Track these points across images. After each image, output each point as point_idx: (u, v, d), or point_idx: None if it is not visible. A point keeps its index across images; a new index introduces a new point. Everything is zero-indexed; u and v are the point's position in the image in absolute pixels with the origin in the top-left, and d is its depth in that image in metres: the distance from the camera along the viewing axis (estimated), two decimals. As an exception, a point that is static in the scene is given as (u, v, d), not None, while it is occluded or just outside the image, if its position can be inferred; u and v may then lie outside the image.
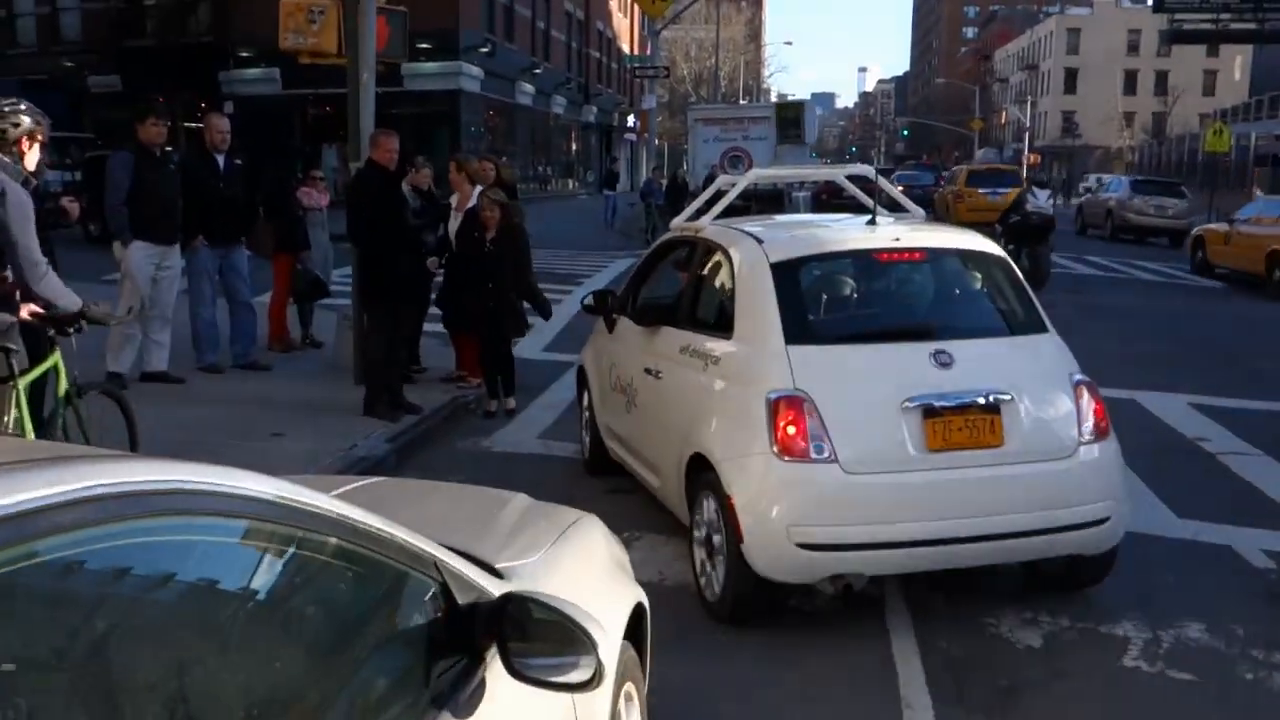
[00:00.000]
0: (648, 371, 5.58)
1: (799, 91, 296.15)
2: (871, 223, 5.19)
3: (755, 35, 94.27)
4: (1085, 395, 4.56)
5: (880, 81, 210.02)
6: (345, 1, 8.70)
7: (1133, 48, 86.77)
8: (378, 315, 7.66)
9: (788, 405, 4.30)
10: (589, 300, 6.63)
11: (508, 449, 7.60)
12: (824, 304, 5.13)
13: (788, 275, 4.76)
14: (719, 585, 4.59)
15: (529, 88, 38.79)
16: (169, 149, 8.54)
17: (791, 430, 4.27)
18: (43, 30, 38.27)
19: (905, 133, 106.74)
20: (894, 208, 6.13)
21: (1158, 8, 44.20)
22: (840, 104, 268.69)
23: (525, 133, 40.59)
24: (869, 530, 4.25)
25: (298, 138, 33.27)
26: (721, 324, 5.00)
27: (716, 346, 4.93)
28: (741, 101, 64.92)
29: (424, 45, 30.85)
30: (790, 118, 28.07)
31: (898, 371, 4.46)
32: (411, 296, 7.83)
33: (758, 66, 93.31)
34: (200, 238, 8.87)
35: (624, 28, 55.44)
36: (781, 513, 4.25)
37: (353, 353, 8.58)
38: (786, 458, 4.26)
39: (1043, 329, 4.88)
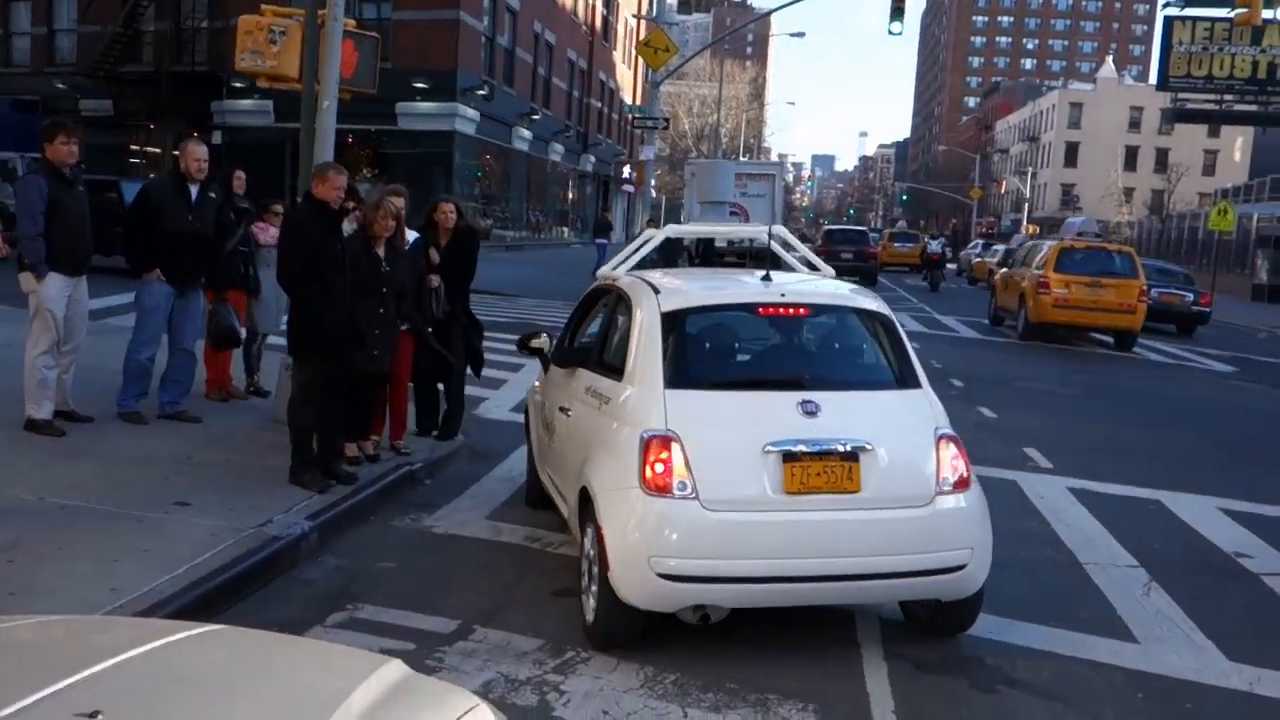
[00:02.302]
0: (562, 409, 5.91)
1: (799, 153, 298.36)
2: (766, 278, 5.47)
3: (758, 94, 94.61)
4: (947, 448, 4.82)
5: (881, 146, 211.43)
6: (309, 22, 7.90)
7: (1134, 124, 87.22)
8: (308, 371, 6.74)
9: (658, 444, 4.62)
10: (521, 341, 6.73)
11: (451, 529, 6.66)
12: (707, 352, 5.45)
13: (676, 324, 5.13)
14: (592, 611, 4.87)
15: (526, 133, 38.25)
16: (79, 168, 7.65)
17: (659, 468, 4.58)
18: (37, 51, 37.71)
19: (904, 197, 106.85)
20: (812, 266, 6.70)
21: (1161, 86, 44.23)
22: (840, 166, 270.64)
23: (521, 178, 39.99)
24: (726, 564, 4.53)
25: (289, 171, 32.58)
26: (618, 367, 5.26)
27: (610, 388, 5.24)
28: (742, 159, 64.68)
29: (420, 85, 30.40)
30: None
31: (765, 418, 4.75)
32: (348, 351, 6.88)
33: (759, 125, 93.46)
34: (157, 271, 8.00)
35: (627, 79, 55.19)
36: (643, 544, 4.54)
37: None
38: (652, 493, 4.57)
39: (915, 384, 5.14)
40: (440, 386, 8.47)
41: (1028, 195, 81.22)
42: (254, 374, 9.68)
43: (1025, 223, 77.23)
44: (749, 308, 5.45)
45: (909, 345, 5.33)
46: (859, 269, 34.73)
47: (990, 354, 18.02)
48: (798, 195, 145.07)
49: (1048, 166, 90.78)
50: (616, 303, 5.81)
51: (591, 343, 6.14)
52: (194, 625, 2.48)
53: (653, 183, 32.57)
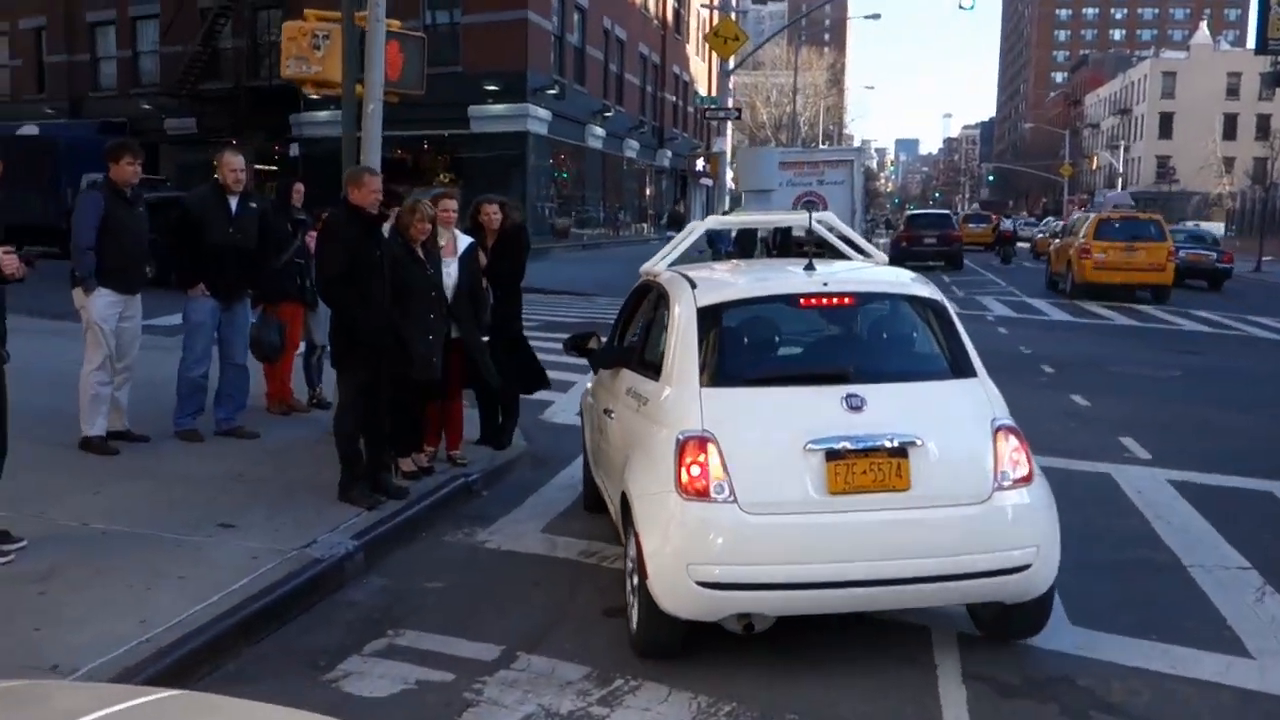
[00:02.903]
0: (607, 412, 5.74)
1: (880, 138, 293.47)
2: (810, 267, 5.18)
3: (837, 80, 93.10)
4: (1006, 441, 4.53)
5: (965, 127, 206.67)
6: (351, 29, 7.69)
7: (1232, 91, 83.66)
8: (351, 381, 6.52)
9: (694, 446, 4.42)
10: (570, 342, 6.46)
11: (505, 544, 6.37)
12: (745, 347, 5.19)
13: (713, 319, 4.90)
14: (635, 621, 4.68)
15: (600, 131, 38.02)
16: (140, 190, 7.58)
17: (695, 471, 4.38)
18: (123, 74, 38.76)
19: (991, 178, 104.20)
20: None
21: (1260, 50, 42.12)
22: (924, 149, 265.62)
23: (596, 176, 39.79)
24: (769, 570, 4.30)
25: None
26: (656, 366, 5.06)
27: (648, 388, 5.05)
28: (822, 146, 63.67)
29: (491, 87, 30.36)
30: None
31: (806, 414, 4.51)
32: (389, 359, 6.64)
33: (839, 112, 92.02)
34: (201, 286, 7.91)
35: (701, 72, 54.62)
36: (681, 551, 4.35)
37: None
38: (688, 497, 4.37)
39: (970, 374, 4.85)
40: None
41: (1120, 170, 78.43)
42: (315, 386, 9.55)
43: (1119, 198, 74.55)
44: (790, 299, 5.20)
45: (963, 332, 5.01)
46: (943, 253, 33.94)
47: (1082, 337, 17.18)
48: (881, 181, 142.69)
49: (1141, 139, 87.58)
50: (657, 300, 5.59)
51: (634, 342, 5.92)
52: (155, 691, 2.24)
53: (729, 174, 31.99)
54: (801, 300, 5.12)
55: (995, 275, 32.79)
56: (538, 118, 31.35)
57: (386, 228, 7.00)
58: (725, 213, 28.64)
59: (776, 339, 5.27)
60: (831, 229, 6.49)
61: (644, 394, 5.09)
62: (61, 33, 39.20)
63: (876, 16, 50.34)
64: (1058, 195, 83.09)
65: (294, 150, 32.36)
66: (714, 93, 38.74)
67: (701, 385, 4.67)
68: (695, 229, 6.42)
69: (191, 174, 33.03)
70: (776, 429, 4.50)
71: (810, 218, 6.01)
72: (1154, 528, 6.59)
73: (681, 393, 4.70)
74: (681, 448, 4.42)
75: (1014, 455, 4.50)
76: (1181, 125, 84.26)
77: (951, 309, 5.18)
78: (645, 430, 4.87)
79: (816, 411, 4.49)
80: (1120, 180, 76.93)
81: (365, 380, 6.51)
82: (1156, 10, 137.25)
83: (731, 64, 29.30)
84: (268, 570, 5.33)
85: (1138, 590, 5.56)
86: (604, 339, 6.55)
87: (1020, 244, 47.13)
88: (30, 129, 34.14)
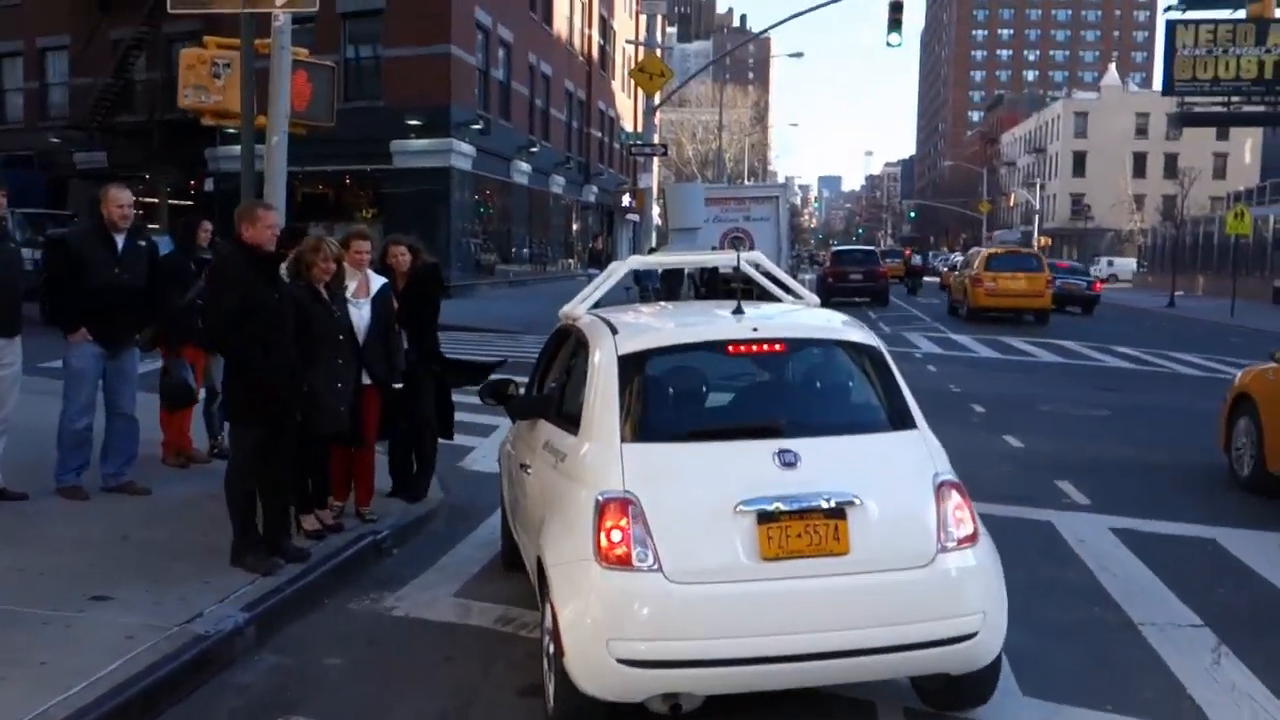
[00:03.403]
0: (524, 467, 5.37)
1: (804, 174, 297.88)
2: (738, 311, 4.85)
3: (761, 117, 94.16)
4: (949, 498, 4.22)
5: (886, 164, 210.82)
6: (250, 56, 7.20)
7: (1141, 131, 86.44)
8: (248, 438, 5.99)
9: (614, 508, 4.06)
10: (485, 391, 5.95)
11: (414, 611, 5.86)
12: (670, 399, 4.79)
13: (635, 368, 4.56)
14: (551, 700, 4.31)
15: (526, 166, 37.61)
16: (8, 225, 6.97)
17: (616, 535, 4.02)
18: (30, 106, 37.39)
19: (913, 215, 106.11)
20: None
21: (1167, 90, 43.37)
22: (847, 186, 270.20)
23: (523, 212, 39.33)
24: (696, 645, 3.93)
25: (287, 216, 32.08)
26: (575, 419, 4.65)
27: (566, 443, 4.67)
28: (747, 182, 64.11)
29: (414, 121, 29.80)
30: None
31: (735, 472, 4.18)
32: (292, 412, 6.13)
33: (764, 149, 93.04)
34: (84, 331, 7.29)
35: (627, 108, 54.65)
36: (601, 625, 3.97)
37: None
38: (608, 565, 4.00)
39: (909, 425, 4.55)
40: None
41: (1038, 207, 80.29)
42: (216, 435, 8.92)
43: (1036, 234, 76.28)
44: (718, 346, 4.79)
45: (901, 380, 4.72)
46: (869, 289, 34.13)
47: (1009, 374, 17.17)
48: (805, 217, 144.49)
49: (1056, 177, 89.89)
50: (575, 346, 5.21)
51: (552, 390, 5.52)
52: None
53: (655, 211, 31.79)
54: (730, 347, 4.75)
55: (916, 310, 33.58)
56: (461, 153, 30.87)
57: (284, 268, 6.51)
58: (650, 250, 28.44)
59: (704, 389, 4.90)
60: (759, 268, 6.14)
61: (561, 449, 4.71)
62: (-37, 65, 37.78)
63: (799, 55, 51.13)
64: (977, 231, 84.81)
65: (209, 185, 31.40)
66: (640, 129, 38.65)
67: (623, 441, 4.31)
68: (617, 269, 6.03)
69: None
70: (704, 489, 4.15)
71: (739, 256, 5.70)
72: (1100, 581, 6.32)
73: (601, 449, 4.33)
74: (601, 510, 4.06)
75: (957, 513, 4.20)
76: (1094, 163, 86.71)
77: (888, 355, 4.87)
78: (562, 489, 4.49)
79: (747, 469, 4.17)
80: (1037, 216, 78.71)
81: (263, 435, 5.98)
82: (1067, 52, 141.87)
83: (657, 100, 29.19)
84: (143, 651, 4.76)
85: (1090, 654, 5.24)
86: (523, 386, 6.13)
87: (933, 277, 52.44)
88: (-74, 162, 32.74)
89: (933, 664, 4.17)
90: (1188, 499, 8.55)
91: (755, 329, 4.71)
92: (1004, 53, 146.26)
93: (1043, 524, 7.61)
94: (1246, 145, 78.58)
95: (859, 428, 4.60)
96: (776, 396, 5.00)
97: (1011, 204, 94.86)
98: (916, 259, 51.27)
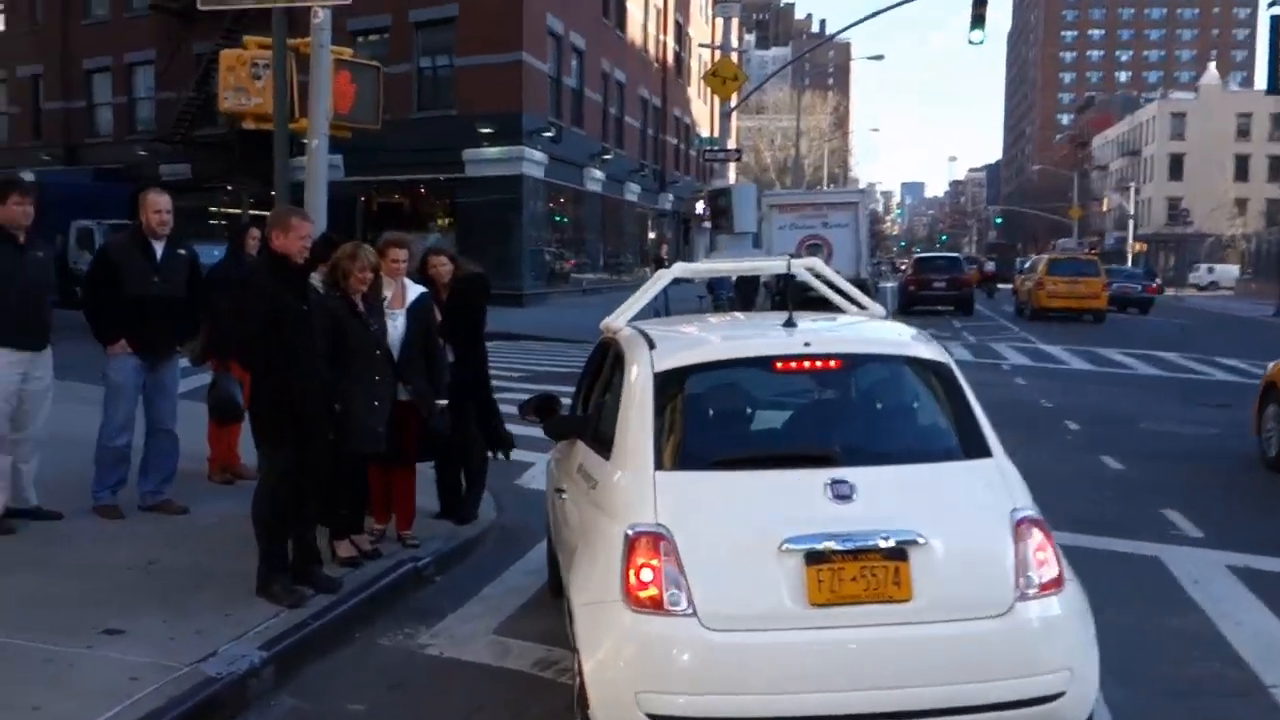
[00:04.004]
0: (559, 491, 5.05)
1: (886, 180, 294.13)
2: (790, 324, 4.40)
3: (841, 123, 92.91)
4: (1030, 536, 3.70)
5: (971, 169, 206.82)
6: (284, 55, 6.84)
7: (1243, 132, 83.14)
8: (277, 459, 5.58)
9: (646, 544, 3.64)
10: (526, 404, 5.46)
11: (449, 649, 5.38)
12: (711, 421, 4.40)
13: (672, 386, 4.16)
14: None
15: (599, 174, 37.33)
16: (37, 235, 6.68)
17: (647, 575, 3.60)
18: (119, 120, 38.31)
19: (999, 220, 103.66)
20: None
21: (1271, 89, 41.34)
22: (930, 193, 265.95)
23: (596, 220, 39.08)
24: (733, 701, 3.50)
25: (361, 227, 32.28)
26: (608, 442, 4.23)
27: (599, 468, 4.27)
28: (827, 188, 63.09)
29: (486, 130, 29.71)
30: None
31: (783, 505, 3.73)
32: (329, 429, 5.72)
33: (844, 154, 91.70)
34: (123, 342, 7.01)
35: (703, 115, 54.12)
36: (629, 676, 3.57)
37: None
38: (638, 608, 3.59)
39: (983, 453, 4.03)
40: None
41: (1131, 212, 77.64)
42: (265, 451, 8.60)
43: (1131, 240, 73.78)
44: (765, 362, 4.35)
45: (974, 401, 4.20)
46: (952, 298, 33.14)
47: (1105, 388, 16.17)
48: (887, 224, 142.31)
49: (1151, 180, 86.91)
50: (614, 361, 4.78)
51: (590, 410, 5.11)
52: None
53: (701, 211, 31.23)
54: (779, 364, 4.29)
55: (989, 311, 33.47)
56: (534, 160, 30.67)
57: (318, 279, 6.10)
58: (708, 257, 27.76)
59: (749, 411, 4.49)
60: (819, 275, 5.57)
61: (594, 475, 4.30)
62: (58, 79, 38.81)
63: (880, 58, 50.40)
64: (1068, 237, 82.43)
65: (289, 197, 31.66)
66: (715, 134, 38.12)
67: (658, 468, 3.89)
68: (662, 277, 5.52)
69: (188, 222, 32.41)
70: (746, 524, 3.70)
71: (789, 262, 5.14)
72: (1220, 630, 5.56)
73: (633, 477, 3.91)
74: (631, 545, 3.65)
75: (1039, 554, 3.69)
76: (1192, 166, 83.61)
77: (958, 373, 4.29)
78: (591, 520, 4.10)
79: (795, 502, 3.72)
80: (1131, 222, 76.11)
81: (292, 456, 5.57)
82: (1162, 52, 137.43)
83: (732, 103, 28.62)
84: (146, 696, 4.34)
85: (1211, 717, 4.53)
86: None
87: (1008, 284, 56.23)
88: (27, 175, 33.61)
89: None
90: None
91: (808, 343, 4.25)
92: (1095, 53, 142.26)
93: (1149, 559, 6.85)
94: (1356, 145, 75.07)
95: (924, 456, 4.10)
96: (830, 420, 4.53)
97: (1104, 209, 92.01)
98: (990, 265, 55.27)
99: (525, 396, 5.58)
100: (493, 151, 29.77)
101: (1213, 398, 15.14)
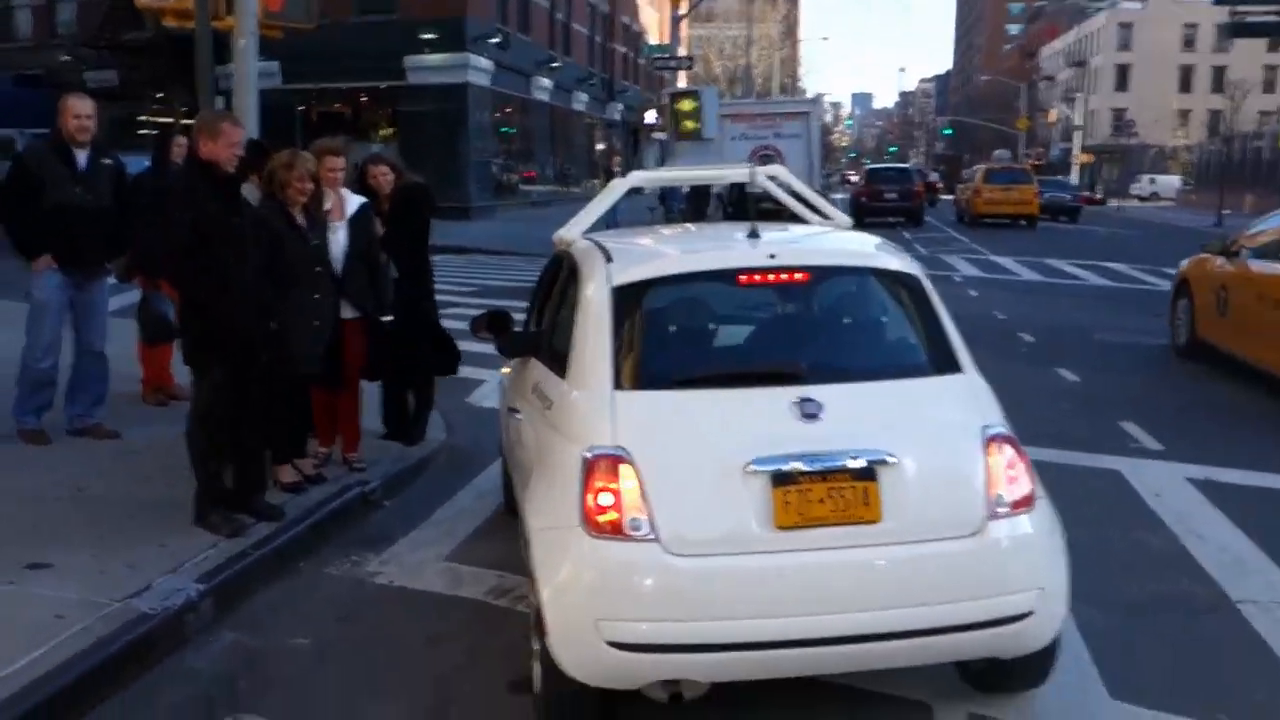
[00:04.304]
0: (512, 410, 4.87)
1: (836, 91, 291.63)
2: (753, 234, 4.19)
3: (790, 32, 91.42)
4: (1001, 453, 3.60)
5: (921, 80, 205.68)
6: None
7: (1188, 43, 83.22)
8: (208, 384, 5.24)
9: (604, 467, 3.49)
10: (476, 320, 5.24)
11: (398, 578, 5.16)
12: (671, 338, 4.18)
13: (631, 302, 3.95)
14: (538, 683, 3.74)
15: (547, 83, 36.40)
16: None
17: (606, 499, 3.45)
18: (39, 23, 36.47)
19: (947, 131, 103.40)
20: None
21: (1218, 0, 41.38)
22: (878, 104, 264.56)
23: (544, 130, 38.21)
24: (698, 627, 3.37)
25: (300, 137, 31.24)
26: (564, 360, 4.04)
27: (554, 388, 4.09)
28: (777, 98, 62.26)
29: (428, 36, 28.69)
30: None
31: (747, 425, 3.59)
32: (264, 352, 5.38)
33: (793, 65, 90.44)
34: (47, 257, 6.56)
35: (652, 22, 52.91)
36: (588, 604, 3.43)
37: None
38: (597, 534, 3.44)
39: (954, 368, 3.90)
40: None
41: (1078, 123, 77.79)
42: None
43: (1076, 151, 74.06)
44: (728, 275, 4.15)
45: (945, 315, 4.03)
46: (904, 209, 33.18)
47: (1057, 299, 16.18)
48: (836, 135, 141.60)
49: (1097, 92, 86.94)
50: (568, 275, 4.54)
51: (544, 327, 4.87)
52: None
53: (653, 120, 30.65)
54: (742, 277, 4.10)
55: (948, 228, 33.25)
56: (479, 68, 29.76)
57: (253, 191, 5.71)
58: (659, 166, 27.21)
59: (712, 327, 4.29)
60: (782, 184, 5.34)
61: (549, 395, 4.11)
62: (-29, -21, 36.77)
63: (833, -36, 48.83)
64: (1015, 148, 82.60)
65: (220, 104, 30.48)
66: (665, 41, 37.25)
67: (616, 388, 3.71)
68: (617, 186, 5.24)
69: (115, 130, 31.11)
70: (710, 445, 3.55)
71: (751, 171, 4.94)
72: (1185, 546, 5.49)
73: (590, 397, 3.74)
74: (589, 469, 3.48)
75: (1010, 472, 3.57)
76: (1139, 77, 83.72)
77: (929, 286, 4.11)
78: (548, 442, 3.92)
79: (760, 422, 3.56)
80: (1077, 133, 76.31)
81: (225, 377, 5.24)
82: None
83: (682, 9, 27.85)
84: (72, 635, 4.08)
85: (1183, 641, 4.46)
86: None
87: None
88: (-61, 81, 31.93)
89: (979, 648, 3.58)
90: (1274, 444, 7.67)
91: (773, 255, 4.07)
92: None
93: (1110, 473, 6.79)
94: (1299, 57, 75.57)
95: (894, 372, 3.94)
96: (797, 335, 4.35)
97: (1051, 120, 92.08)
98: (934, 176, 60.53)
99: (477, 313, 5.30)
100: (436, 59, 28.83)
101: (1162, 308, 15.18)
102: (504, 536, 5.48)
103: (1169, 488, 6.45)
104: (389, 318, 6.40)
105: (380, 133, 31.39)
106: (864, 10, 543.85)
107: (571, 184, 41.79)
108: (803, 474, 3.42)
